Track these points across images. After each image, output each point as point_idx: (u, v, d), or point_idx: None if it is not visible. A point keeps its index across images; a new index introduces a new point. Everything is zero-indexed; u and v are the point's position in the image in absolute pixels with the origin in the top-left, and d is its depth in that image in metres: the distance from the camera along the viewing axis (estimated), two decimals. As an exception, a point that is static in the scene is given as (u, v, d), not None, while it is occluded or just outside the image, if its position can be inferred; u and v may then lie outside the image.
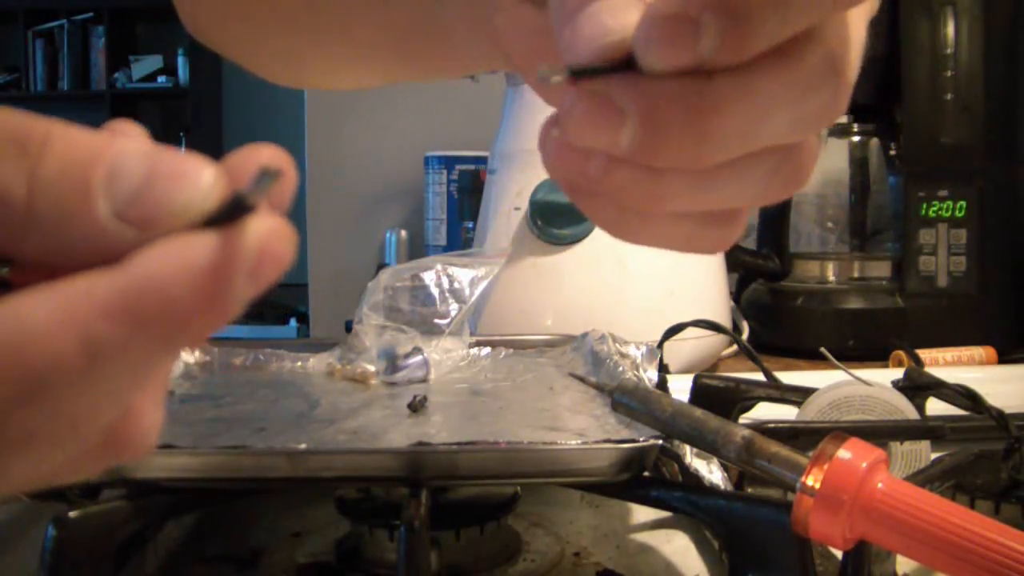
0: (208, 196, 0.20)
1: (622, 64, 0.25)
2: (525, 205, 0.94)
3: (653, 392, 0.49)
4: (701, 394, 0.61)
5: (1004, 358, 0.97)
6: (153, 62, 4.77)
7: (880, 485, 0.37)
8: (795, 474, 0.39)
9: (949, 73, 1.01)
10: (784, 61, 0.25)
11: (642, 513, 0.56)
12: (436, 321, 0.76)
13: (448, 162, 1.49)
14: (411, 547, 0.43)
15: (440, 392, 0.66)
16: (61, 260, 0.20)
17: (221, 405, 0.62)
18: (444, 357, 0.72)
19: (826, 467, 0.37)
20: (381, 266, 1.05)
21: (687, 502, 0.49)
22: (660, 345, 0.72)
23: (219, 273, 0.19)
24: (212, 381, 0.70)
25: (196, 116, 4.69)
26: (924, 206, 1.03)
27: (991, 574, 0.34)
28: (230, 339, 0.77)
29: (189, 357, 0.72)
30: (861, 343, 1.02)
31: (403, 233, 1.65)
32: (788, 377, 0.69)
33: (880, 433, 0.55)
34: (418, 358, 0.70)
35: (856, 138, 1.10)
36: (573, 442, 0.50)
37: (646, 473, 0.49)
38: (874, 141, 1.10)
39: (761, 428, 0.47)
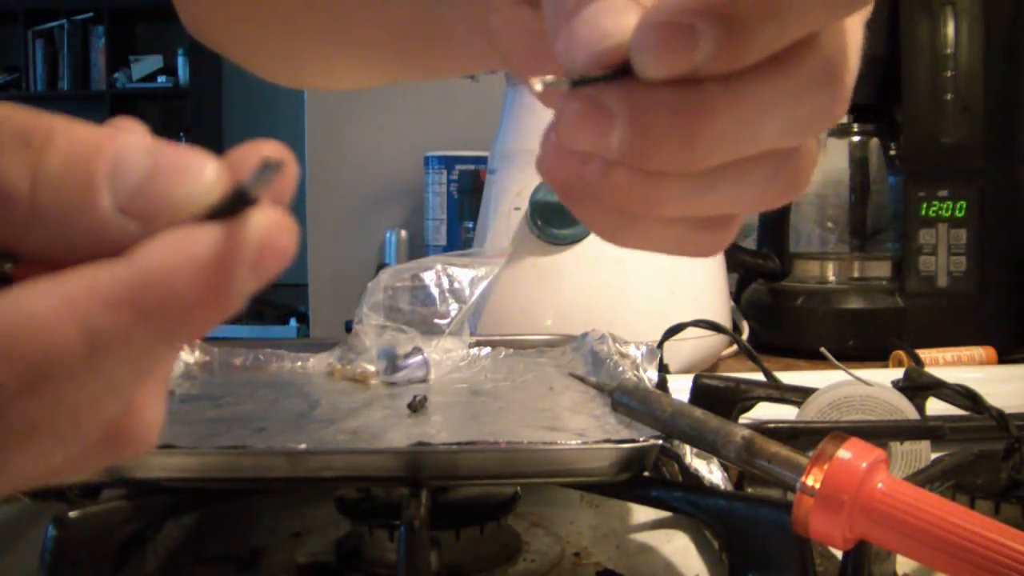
0: (211, 190, 0.20)
1: (619, 70, 0.25)
2: (525, 205, 0.94)
3: (653, 392, 0.49)
4: (701, 394, 0.61)
5: (1004, 358, 0.97)
6: (153, 62, 4.77)
7: (880, 485, 0.37)
8: (795, 474, 0.39)
9: (949, 73, 1.01)
10: (777, 66, 0.25)
11: (642, 513, 0.56)
12: (436, 321, 0.76)
13: (448, 162, 1.49)
14: (411, 547, 0.43)
15: (440, 392, 0.66)
16: (64, 255, 0.20)
17: (221, 405, 0.62)
18: (444, 357, 0.72)
19: (826, 467, 0.37)
20: (381, 266, 1.05)
21: (687, 502, 0.49)
22: (660, 345, 0.72)
23: (221, 265, 0.19)
24: (212, 381, 0.70)
25: (196, 116, 4.69)
26: (924, 206, 1.03)
27: (991, 574, 0.34)
28: (230, 339, 0.77)
29: (189, 357, 0.72)
30: (861, 343, 1.02)
31: (403, 233, 1.65)
32: (788, 377, 0.69)
33: (880, 433, 0.55)
34: (418, 358, 0.70)
35: (856, 138, 1.10)
36: (573, 442, 0.50)
37: (646, 473, 0.49)
38: (874, 141, 1.10)
39: (761, 428, 0.47)
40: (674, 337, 0.78)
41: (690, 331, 0.79)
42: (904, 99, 1.03)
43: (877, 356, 0.95)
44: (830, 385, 0.58)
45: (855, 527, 0.37)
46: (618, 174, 0.26)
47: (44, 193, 0.20)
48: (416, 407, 0.60)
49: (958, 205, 1.02)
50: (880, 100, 1.06)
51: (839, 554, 0.41)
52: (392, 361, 0.69)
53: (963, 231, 1.02)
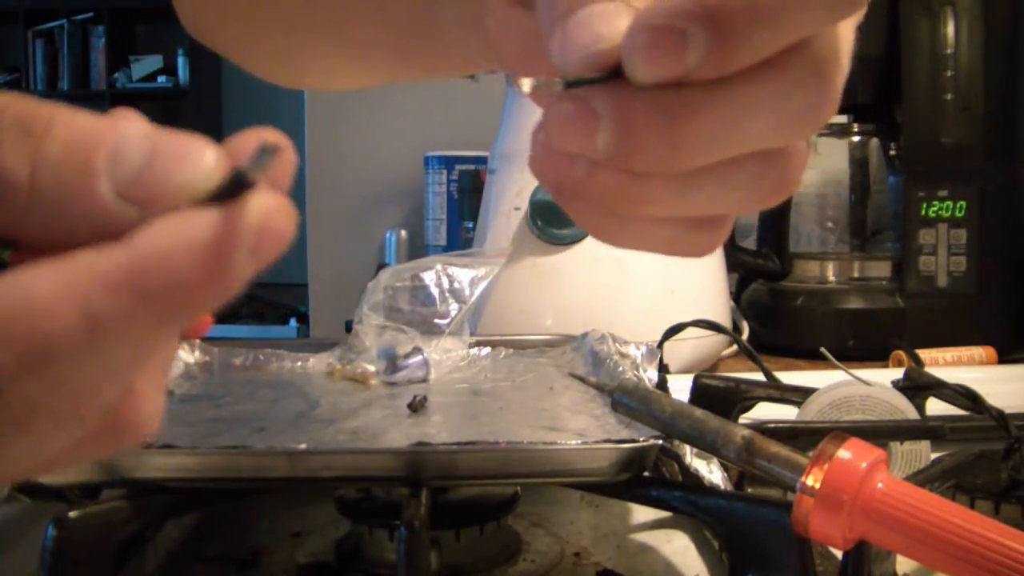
0: (210, 175, 0.20)
1: (612, 73, 0.25)
2: (525, 205, 0.94)
3: (653, 392, 0.49)
4: (701, 394, 0.61)
5: (1004, 358, 0.97)
6: (153, 62, 4.77)
7: (880, 485, 0.37)
8: (795, 474, 0.39)
9: (949, 73, 1.01)
10: (763, 66, 0.25)
11: (642, 513, 0.56)
12: (436, 321, 0.76)
13: (448, 162, 1.49)
14: (411, 547, 0.43)
15: (440, 392, 0.66)
16: (64, 241, 0.20)
17: (221, 405, 0.62)
18: (444, 357, 0.72)
19: (826, 467, 0.37)
20: (381, 266, 1.05)
21: (687, 502, 0.49)
22: (660, 345, 0.72)
23: (220, 248, 0.19)
24: (212, 381, 0.70)
25: (196, 116, 4.69)
26: (924, 206, 1.03)
27: (991, 574, 0.34)
28: (230, 339, 0.77)
29: (189, 357, 0.72)
30: (861, 343, 1.02)
31: (403, 233, 1.65)
32: (788, 377, 0.69)
33: (880, 433, 0.55)
34: (418, 358, 0.70)
35: (856, 138, 1.10)
36: (573, 442, 0.50)
37: (646, 473, 0.49)
38: (874, 141, 1.10)
39: (761, 428, 0.47)
40: (674, 337, 0.78)
41: (690, 331, 0.79)
42: (904, 99, 1.03)
43: (877, 356, 0.95)
44: (830, 385, 0.58)
45: (855, 527, 0.37)
46: (604, 174, 0.26)
47: (44, 179, 0.20)
48: (416, 407, 0.60)
49: (958, 205, 1.02)
50: (880, 100, 1.06)
51: (839, 554, 0.41)
52: (392, 361, 0.69)
53: (963, 231, 1.02)
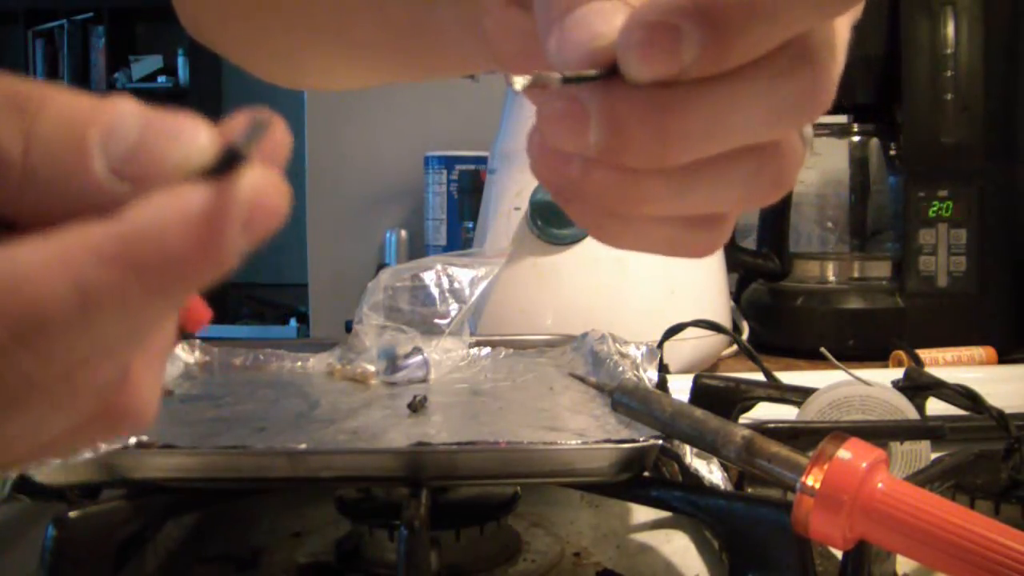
0: (203, 152, 0.20)
1: (609, 71, 0.25)
2: (525, 205, 0.94)
3: (653, 392, 0.49)
4: (701, 394, 0.61)
5: (1004, 358, 0.97)
6: (153, 62, 4.77)
7: (880, 485, 0.37)
8: (795, 474, 0.39)
9: (949, 73, 1.01)
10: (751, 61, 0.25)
11: (642, 513, 0.56)
12: (436, 321, 0.76)
13: (448, 162, 1.49)
14: (411, 547, 0.43)
15: (440, 392, 0.66)
16: (58, 219, 0.20)
17: (221, 405, 0.62)
18: (444, 357, 0.72)
19: (826, 467, 0.37)
20: (381, 266, 1.05)
21: (687, 502, 0.49)
22: (660, 345, 0.72)
23: (212, 222, 0.19)
24: (212, 381, 0.70)
25: (196, 116, 4.68)
26: (924, 206, 1.03)
27: (991, 574, 0.34)
28: (230, 339, 0.77)
29: (189, 357, 0.72)
30: (861, 343, 1.02)
31: (403, 233, 1.65)
32: (788, 377, 0.69)
33: (880, 433, 0.55)
34: (418, 358, 0.70)
35: (856, 138, 1.10)
36: (573, 442, 0.50)
37: (646, 473, 0.49)
38: (874, 141, 1.10)
39: (761, 428, 0.47)
40: (674, 337, 0.78)
41: (690, 331, 0.79)
42: (904, 99, 1.03)
43: (877, 356, 0.95)
44: (830, 385, 0.58)
45: (855, 527, 0.37)
46: (598, 173, 0.26)
47: (37, 157, 0.20)
48: (416, 407, 0.60)
49: (958, 205, 1.02)
50: (880, 100, 1.06)
51: (839, 554, 0.41)
52: (392, 361, 0.69)
53: (963, 231, 1.02)
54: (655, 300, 0.93)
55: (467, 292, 0.78)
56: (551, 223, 0.92)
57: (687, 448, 0.53)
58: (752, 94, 0.25)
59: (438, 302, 0.77)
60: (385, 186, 1.74)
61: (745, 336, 1.06)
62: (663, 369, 0.68)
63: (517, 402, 0.63)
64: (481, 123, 1.31)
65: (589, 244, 0.93)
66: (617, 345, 0.69)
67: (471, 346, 0.76)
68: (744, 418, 0.60)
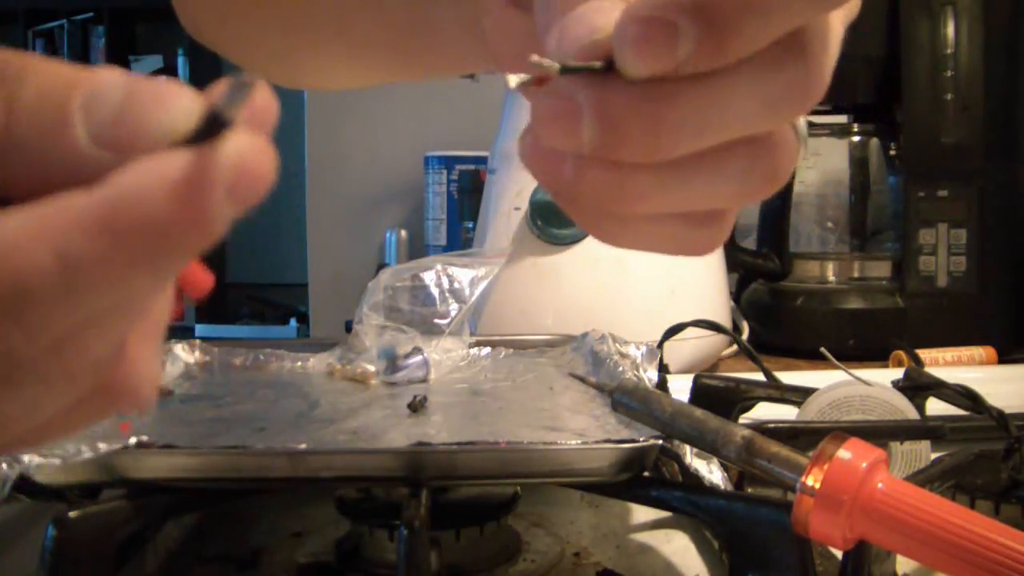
0: (188, 118, 0.20)
1: (607, 66, 0.25)
2: (525, 205, 0.94)
3: (653, 392, 0.49)
4: (701, 394, 0.61)
5: (1004, 358, 0.97)
6: (153, 62, 4.77)
7: (880, 485, 0.37)
8: (795, 474, 0.39)
9: (949, 73, 1.01)
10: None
11: (642, 513, 0.56)
12: (436, 321, 0.76)
13: (448, 162, 1.49)
14: (411, 547, 0.43)
15: (440, 392, 0.66)
16: (40, 189, 0.20)
17: (221, 405, 0.62)
18: (444, 357, 0.72)
19: (826, 467, 0.37)
20: (381, 266, 1.05)
21: (687, 502, 0.49)
22: (660, 345, 0.72)
23: (196, 187, 0.19)
24: (212, 381, 0.70)
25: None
26: (924, 206, 1.03)
27: (991, 574, 0.34)
28: (230, 339, 0.77)
29: (189, 357, 0.72)
30: (861, 343, 1.02)
31: (403, 233, 1.65)
32: (788, 377, 0.69)
33: (880, 433, 0.55)
34: (418, 358, 0.70)
35: (856, 138, 1.10)
36: (573, 442, 0.50)
37: (646, 473, 0.49)
38: (874, 141, 1.10)
39: (761, 428, 0.47)
40: (674, 337, 0.78)
41: (690, 331, 0.79)
42: (904, 99, 1.03)
43: (877, 356, 0.95)
44: (830, 385, 0.58)
45: (855, 527, 0.37)
46: (592, 172, 0.26)
47: (19, 125, 0.20)
48: (416, 407, 0.60)
49: (958, 205, 1.02)
50: (880, 100, 1.06)
51: (839, 554, 0.41)
52: (392, 361, 0.69)
53: (963, 231, 1.02)
54: (655, 300, 0.93)
55: (467, 292, 0.78)
56: (551, 223, 0.92)
57: (687, 448, 0.53)
58: (745, 86, 0.25)
59: (438, 302, 0.77)
60: (385, 186, 1.74)
61: (745, 336, 1.06)
62: (663, 369, 0.68)
63: (517, 402, 0.63)
64: (481, 123, 1.30)
65: (589, 244, 0.93)
66: (617, 345, 0.69)
67: (471, 346, 0.76)
68: (744, 418, 0.60)
